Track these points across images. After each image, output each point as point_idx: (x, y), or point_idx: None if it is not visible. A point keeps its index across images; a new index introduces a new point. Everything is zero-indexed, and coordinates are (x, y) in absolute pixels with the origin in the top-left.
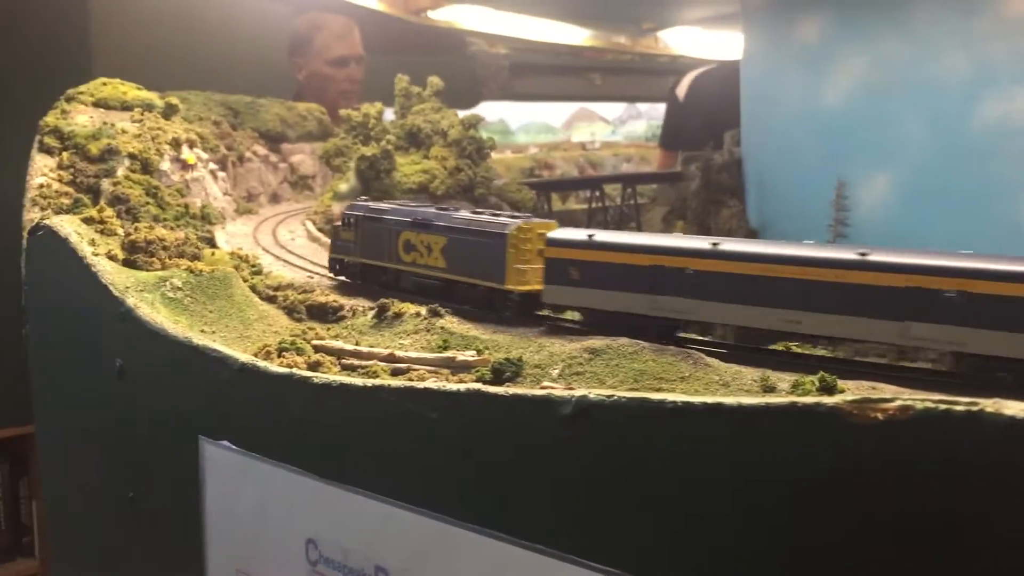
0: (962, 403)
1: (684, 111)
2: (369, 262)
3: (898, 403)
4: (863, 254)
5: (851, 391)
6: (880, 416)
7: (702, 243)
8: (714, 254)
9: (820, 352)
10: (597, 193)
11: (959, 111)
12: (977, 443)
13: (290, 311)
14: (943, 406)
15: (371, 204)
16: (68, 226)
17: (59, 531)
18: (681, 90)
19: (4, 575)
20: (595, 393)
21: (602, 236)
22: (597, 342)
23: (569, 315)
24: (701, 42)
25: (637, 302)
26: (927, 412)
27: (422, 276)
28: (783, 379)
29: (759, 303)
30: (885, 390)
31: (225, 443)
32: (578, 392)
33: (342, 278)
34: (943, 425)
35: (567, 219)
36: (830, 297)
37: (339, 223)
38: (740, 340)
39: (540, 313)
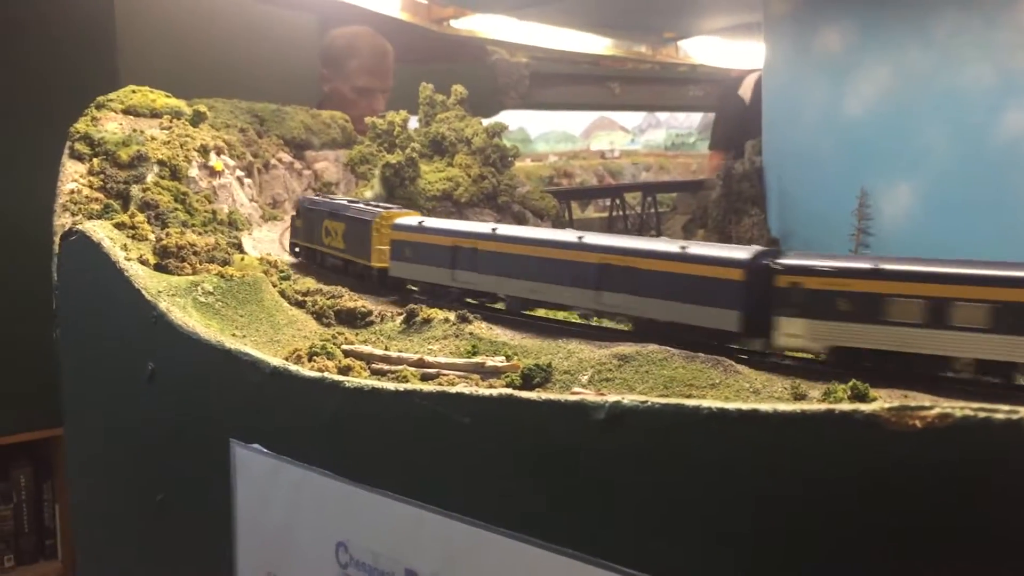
0: (1002, 411)
1: (750, 111)
2: (308, 245)
3: (937, 411)
4: (580, 237)
5: (883, 398)
6: (918, 424)
7: (484, 228)
8: (490, 237)
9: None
10: (617, 201)
11: (983, 121)
12: (1017, 451)
13: (319, 316)
14: (982, 414)
15: (314, 197)
16: (101, 231)
17: (85, 533)
18: (746, 91)
19: None
20: (629, 399)
21: (427, 222)
22: (626, 348)
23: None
24: (722, 52)
25: (443, 275)
26: (966, 420)
27: (334, 256)
28: (814, 387)
29: (517, 276)
30: (920, 398)
31: (256, 446)
32: (612, 398)
33: (300, 259)
34: (982, 433)
35: (586, 227)
36: (558, 272)
37: (295, 213)
38: (508, 307)
39: (409, 288)
